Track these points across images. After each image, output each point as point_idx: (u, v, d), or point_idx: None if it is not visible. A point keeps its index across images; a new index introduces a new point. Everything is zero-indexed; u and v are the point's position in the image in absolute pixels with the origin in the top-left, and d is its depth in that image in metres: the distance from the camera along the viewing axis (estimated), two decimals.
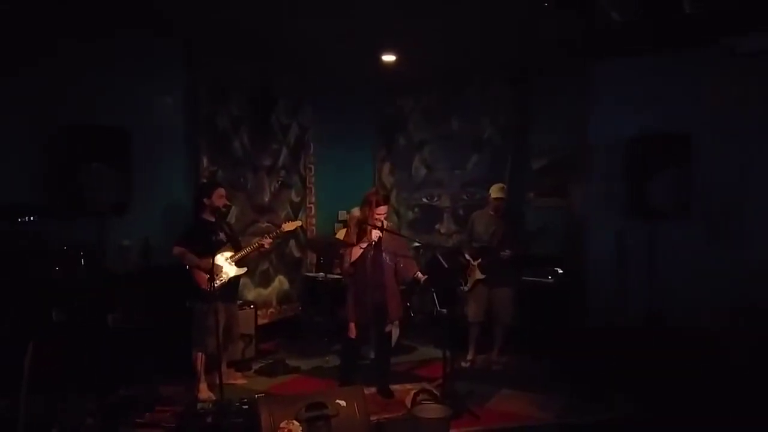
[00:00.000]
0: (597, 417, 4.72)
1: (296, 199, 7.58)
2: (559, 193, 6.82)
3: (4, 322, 4.09)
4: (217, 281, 4.96)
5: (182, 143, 6.15)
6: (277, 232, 5.50)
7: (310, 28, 5.59)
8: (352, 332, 5.04)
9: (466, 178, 7.66)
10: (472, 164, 7.61)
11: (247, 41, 6.03)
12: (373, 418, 4.39)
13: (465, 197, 7.64)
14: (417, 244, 5.91)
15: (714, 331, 5.05)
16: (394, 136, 8.28)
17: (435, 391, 5.02)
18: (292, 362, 6.14)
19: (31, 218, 4.27)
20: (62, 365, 4.29)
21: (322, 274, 6.67)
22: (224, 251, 5.21)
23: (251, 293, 6.85)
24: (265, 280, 7.15)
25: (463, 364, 6.01)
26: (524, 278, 6.28)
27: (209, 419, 4.41)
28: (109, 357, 4.77)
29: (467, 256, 6.04)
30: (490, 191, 6.06)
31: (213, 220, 5.20)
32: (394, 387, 5.28)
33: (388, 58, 6.50)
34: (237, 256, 5.26)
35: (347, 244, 5.09)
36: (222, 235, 5.27)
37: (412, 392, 4.95)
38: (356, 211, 5.70)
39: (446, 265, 5.22)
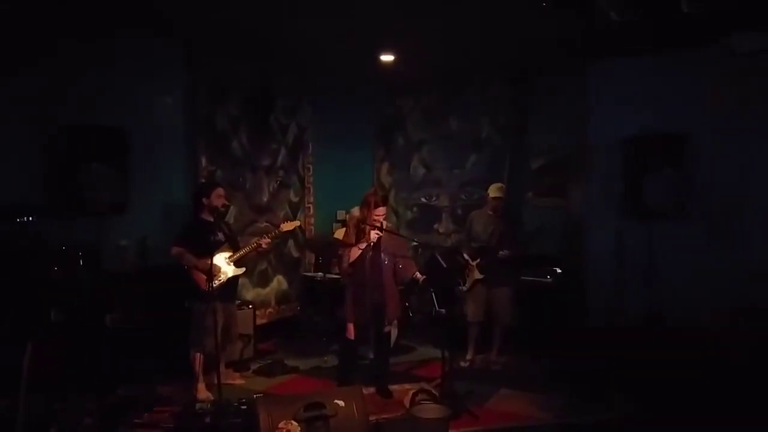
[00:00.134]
0: (596, 417, 4.71)
1: (295, 199, 7.57)
2: (558, 193, 6.82)
3: (3, 322, 4.08)
4: (216, 281, 4.95)
5: (181, 143, 6.14)
6: (275, 232, 5.49)
7: (309, 28, 5.58)
8: (351, 332, 5.04)
9: (464, 177, 7.65)
10: (471, 164, 7.61)
11: (246, 41, 6.03)
12: (372, 418, 4.38)
13: (464, 197, 7.64)
14: (415, 242, 5.90)
15: (713, 331, 5.06)
16: (392, 135, 8.28)
17: (434, 391, 5.02)
18: (291, 362, 6.14)
19: (30, 218, 4.27)
20: (61, 365, 4.29)
21: (320, 274, 6.67)
22: (223, 251, 5.20)
23: (250, 293, 6.85)
24: (264, 280, 7.14)
25: (462, 363, 6.01)
26: (523, 278, 6.29)
27: (208, 419, 4.41)
28: (108, 357, 4.77)
29: (466, 256, 6.04)
30: (489, 191, 6.06)
31: (211, 220, 5.19)
32: (393, 387, 5.28)
33: (387, 58, 6.50)
34: (235, 256, 5.25)
35: (346, 245, 5.09)
36: (220, 235, 5.26)
37: (411, 392, 4.95)
38: (356, 211, 5.69)
39: (445, 265, 5.22)
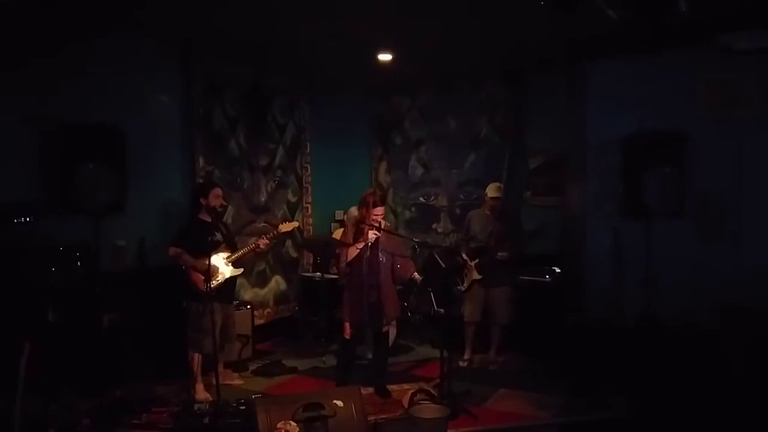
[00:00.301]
0: (594, 416, 4.72)
1: (293, 199, 7.57)
2: (555, 192, 6.81)
3: (0, 323, 4.07)
4: (214, 282, 4.95)
5: (178, 143, 6.13)
6: (273, 233, 5.49)
7: (306, 28, 5.57)
8: (347, 332, 5.04)
9: (462, 177, 7.65)
10: (469, 163, 7.60)
11: (243, 41, 6.02)
12: (371, 418, 4.39)
13: (462, 196, 7.63)
14: (415, 240, 5.91)
15: (710, 330, 5.06)
16: (390, 135, 8.27)
17: (432, 391, 5.03)
18: (289, 363, 6.14)
19: (28, 218, 4.26)
20: (58, 366, 4.28)
21: (318, 274, 6.67)
22: (221, 252, 5.19)
23: (248, 293, 6.84)
24: (262, 281, 7.13)
25: (460, 363, 6.01)
26: (521, 278, 6.30)
27: (206, 420, 4.41)
28: (106, 358, 4.76)
29: (464, 256, 6.04)
30: (487, 190, 6.07)
31: (209, 220, 5.19)
32: (392, 387, 5.28)
33: (385, 57, 6.49)
34: (233, 257, 5.25)
35: (343, 244, 5.09)
36: (218, 236, 5.26)
37: (410, 392, 4.96)
38: (353, 211, 5.69)
39: (443, 265, 5.22)
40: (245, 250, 5.33)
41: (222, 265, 5.17)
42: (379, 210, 4.92)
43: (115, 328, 4.95)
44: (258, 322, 6.65)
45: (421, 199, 8.04)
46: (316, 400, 3.90)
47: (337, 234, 6.46)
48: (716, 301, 5.25)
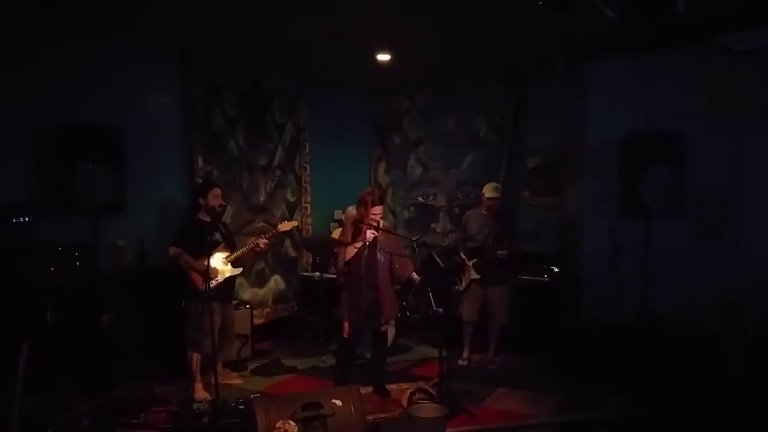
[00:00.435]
0: (592, 415, 4.73)
1: (292, 199, 7.57)
2: (554, 192, 6.81)
3: None
4: (213, 281, 4.95)
5: (177, 143, 6.14)
6: (272, 233, 5.50)
7: (304, 28, 5.58)
8: (346, 332, 5.04)
9: (461, 177, 7.65)
10: (468, 163, 7.61)
11: (241, 41, 6.02)
12: (370, 417, 4.40)
13: (460, 196, 7.63)
14: (414, 240, 5.93)
15: (709, 330, 5.07)
16: (389, 135, 8.28)
17: (431, 391, 5.03)
18: (288, 362, 6.14)
19: (26, 218, 4.26)
20: (57, 366, 4.28)
21: (317, 273, 6.67)
22: (220, 251, 5.20)
23: (247, 293, 6.84)
24: (261, 280, 7.14)
25: (459, 362, 6.02)
26: (520, 277, 6.31)
27: (205, 419, 4.42)
28: (104, 357, 4.76)
29: (462, 256, 6.05)
30: (484, 191, 6.07)
31: (208, 220, 5.19)
32: (391, 386, 5.29)
33: (383, 57, 6.49)
34: (232, 257, 5.25)
35: (342, 243, 5.09)
36: (217, 236, 5.26)
37: (409, 391, 4.96)
38: (351, 210, 5.70)
39: (442, 265, 5.23)
40: (244, 249, 5.34)
41: (221, 264, 5.18)
42: (378, 209, 4.94)
43: (114, 327, 4.95)
44: (257, 321, 6.66)
45: (420, 198, 8.04)
46: (315, 400, 3.91)
47: (336, 234, 6.47)
48: (715, 301, 5.25)
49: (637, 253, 5.45)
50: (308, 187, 7.81)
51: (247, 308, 6.32)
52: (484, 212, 6.06)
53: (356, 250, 4.92)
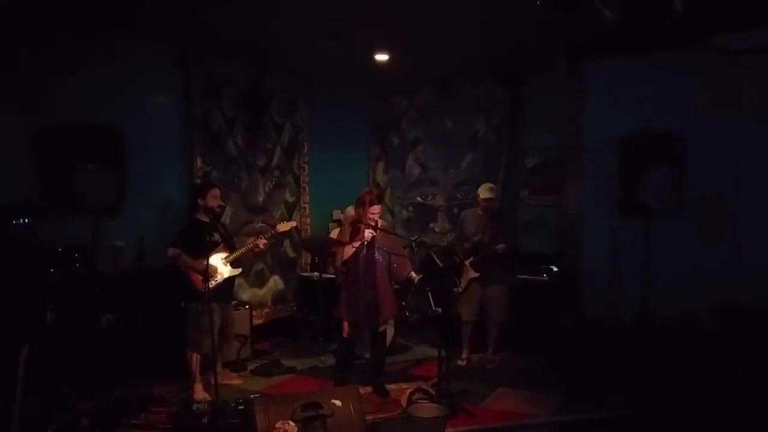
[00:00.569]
0: (592, 414, 4.73)
1: (290, 199, 7.56)
2: (553, 192, 6.82)
3: None
4: (212, 282, 4.96)
5: (176, 143, 6.13)
6: (271, 233, 5.50)
7: (304, 28, 5.57)
8: (345, 332, 5.04)
9: (460, 177, 7.65)
10: (466, 163, 7.61)
11: (241, 41, 6.01)
12: (369, 417, 4.40)
13: (459, 196, 7.63)
14: (412, 239, 5.94)
15: (708, 329, 5.07)
16: (388, 135, 8.28)
17: (430, 390, 5.04)
18: (288, 362, 6.14)
19: (26, 219, 4.25)
20: (57, 366, 4.28)
21: (316, 273, 6.67)
22: (219, 252, 5.20)
23: (246, 293, 6.84)
24: (260, 281, 7.14)
25: (458, 362, 6.02)
26: (519, 276, 6.31)
27: (204, 420, 4.42)
28: (104, 358, 4.76)
29: (460, 257, 6.05)
30: (479, 191, 6.06)
31: (207, 220, 5.19)
32: (390, 386, 5.29)
33: (382, 57, 6.49)
34: (232, 257, 5.25)
35: (340, 243, 5.09)
36: (216, 236, 5.26)
37: (408, 391, 4.97)
38: (350, 210, 5.70)
39: (441, 264, 5.23)
40: (243, 250, 5.34)
41: (220, 265, 5.18)
42: (376, 209, 4.94)
43: (114, 328, 4.94)
44: (256, 322, 6.66)
45: (419, 198, 8.04)
46: (315, 400, 3.91)
47: (335, 233, 6.47)
48: (714, 301, 5.26)
49: (637, 252, 5.46)
50: (307, 188, 7.80)
51: (246, 308, 6.32)
52: (480, 213, 6.06)
53: (354, 249, 4.92)
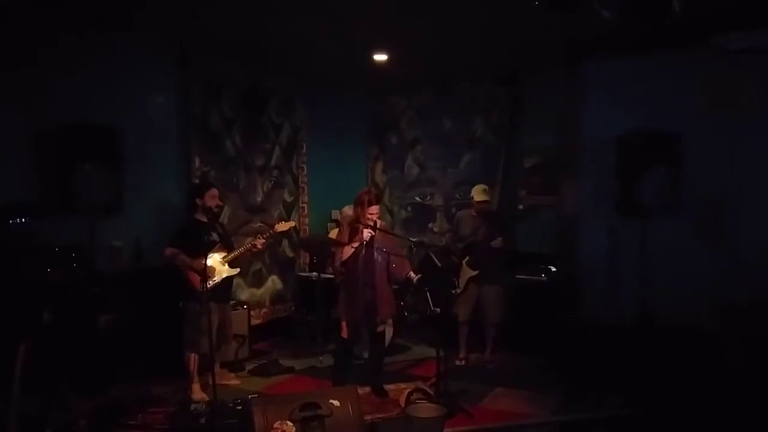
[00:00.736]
0: (590, 414, 4.73)
1: (289, 199, 7.56)
2: (551, 192, 6.83)
3: None
4: (210, 282, 4.95)
5: (174, 143, 6.12)
6: (270, 233, 5.50)
7: (304, 28, 5.57)
8: (344, 332, 5.04)
9: (458, 177, 7.65)
10: (465, 163, 7.61)
11: (241, 41, 6.01)
12: (367, 417, 4.40)
13: (458, 196, 7.62)
14: (411, 240, 5.93)
15: (706, 329, 5.08)
16: (386, 135, 8.28)
17: (429, 390, 5.04)
18: (286, 362, 6.14)
19: (23, 219, 4.24)
20: (55, 366, 4.27)
21: (315, 273, 6.66)
22: (217, 252, 5.19)
23: (244, 293, 6.83)
24: (258, 281, 7.13)
25: (457, 362, 6.02)
26: (517, 276, 6.31)
27: (202, 420, 4.42)
28: (101, 358, 4.75)
29: (458, 256, 6.04)
30: (473, 193, 6.02)
31: (205, 220, 5.18)
32: (388, 386, 5.29)
33: (380, 57, 6.49)
34: (230, 257, 5.24)
35: (339, 244, 5.09)
36: (214, 236, 5.26)
37: (406, 391, 4.96)
38: (348, 210, 5.69)
39: (440, 264, 5.23)
40: (242, 249, 5.33)
41: (219, 265, 5.17)
42: (374, 209, 4.93)
43: (112, 328, 4.93)
44: (254, 322, 6.64)
45: (417, 198, 8.04)
46: (313, 400, 3.90)
47: (333, 233, 6.45)
48: (713, 300, 5.27)
49: (635, 252, 5.47)
50: (305, 187, 7.79)
51: (244, 308, 6.31)
52: (474, 214, 6.04)
53: (353, 249, 4.92)
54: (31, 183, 4.75)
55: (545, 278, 6.31)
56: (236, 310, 6.04)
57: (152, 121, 5.85)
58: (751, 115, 5.43)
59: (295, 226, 6.99)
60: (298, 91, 7.55)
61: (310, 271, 7.20)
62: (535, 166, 7.09)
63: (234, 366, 5.87)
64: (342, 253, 4.98)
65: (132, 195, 5.17)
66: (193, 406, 4.68)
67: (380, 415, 4.71)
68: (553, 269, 6.34)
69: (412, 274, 5.17)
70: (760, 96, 5.36)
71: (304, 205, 7.79)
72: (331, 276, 6.28)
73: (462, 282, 6.00)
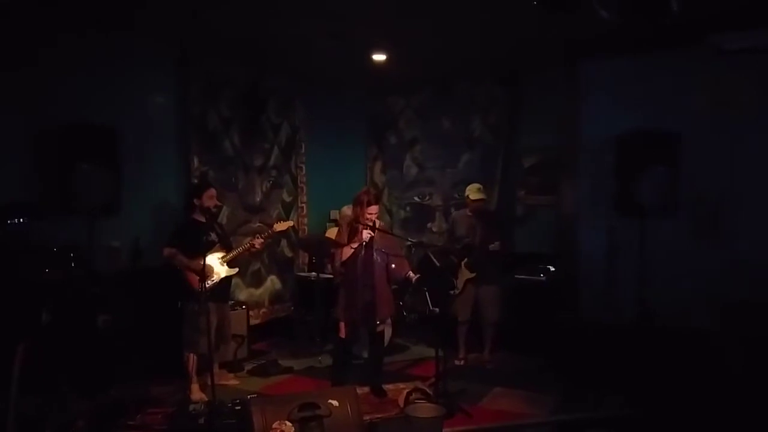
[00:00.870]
0: (590, 414, 4.73)
1: (288, 199, 7.55)
2: (550, 191, 6.83)
3: None
4: (209, 282, 4.95)
5: (173, 143, 6.12)
6: (268, 233, 5.49)
7: (304, 28, 5.57)
8: (342, 332, 5.04)
9: (457, 176, 7.65)
10: (464, 163, 7.61)
11: (241, 41, 6.00)
12: (366, 417, 4.40)
13: (456, 196, 7.61)
14: (410, 241, 5.93)
15: (705, 329, 5.08)
16: (385, 135, 8.28)
17: (428, 390, 5.03)
18: (285, 362, 6.14)
19: (21, 219, 4.24)
20: (53, 366, 4.27)
21: (314, 273, 6.66)
22: (215, 252, 5.19)
23: (243, 293, 6.83)
24: (257, 281, 7.13)
25: (456, 362, 6.02)
26: (516, 276, 6.31)
27: (201, 420, 4.41)
28: (100, 358, 4.75)
29: (456, 257, 6.04)
30: (468, 192, 6.02)
31: (204, 220, 5.18)
32: (387, 386, 5.29)
33: (379, 57, 6.48)
34: (228, 257, 5.24)
35: (338, 244, 5.08)
36: (213, 236, 5.26)
37: (405, 391, 4.96)
38: (347, 210, 5.69)
39: (438, 264, 5.23)
40: (240, 249, 5.33)
41: (217, 265, 5.17)
42: (374, 209, 4.92)
43: (110, 328, 4.93)
44: (253, 322, 6.64)
45: (416, 198, 8.04)
46: (312, 400, 3.90)
47: (332, 233, 6.46)
48: (712, 300, 5.26)
49: (634, 252, 5.46)
50: (304, 187, 7.78)
51: (243, 309, 6.31)
52: (469, 213, 6.03)
53: (353, 250, 4.91)
54: (31, 183, 4.75)
55: (544, 278, 6.31)
56: (235, 310, 6.04)
57: (151, 121, 5.85)
58: (750, 115, 5.44)
59: (293, 226, 6.99)
60: (298, 91, 7.55)
61: (309, 271, 7.21)
62: (534, 166, 7.10)
63: (233, 366, 5.87)
64: (341, 254, 4.97)
65: (131, 195, 5.17)
66: (191, 407, 4.67)
67: (379, 415, 4.71)
68: (552, 269, 6.34)
69: (411, 274, 5.17)
70: (760, 96, 5.36)
71: (303, 205, 7.79)
72: (330, 276, 6.29)
73: (459, 283, 6.00)
